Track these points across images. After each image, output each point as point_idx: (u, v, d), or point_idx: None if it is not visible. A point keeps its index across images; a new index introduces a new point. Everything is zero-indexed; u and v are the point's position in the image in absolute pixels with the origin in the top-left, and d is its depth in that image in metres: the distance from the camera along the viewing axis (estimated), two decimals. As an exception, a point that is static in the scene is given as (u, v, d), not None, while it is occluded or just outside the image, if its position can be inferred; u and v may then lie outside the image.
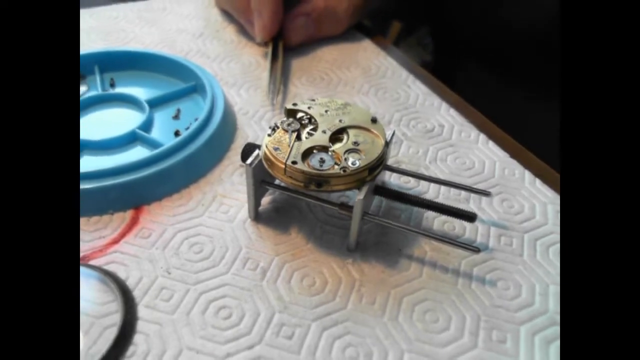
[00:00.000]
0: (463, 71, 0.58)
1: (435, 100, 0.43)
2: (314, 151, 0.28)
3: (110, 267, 0.28)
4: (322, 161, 0.28)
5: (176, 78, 0.43)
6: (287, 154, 0.28)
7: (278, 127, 0.29)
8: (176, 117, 0.39)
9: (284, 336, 0.25)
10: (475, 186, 0.33)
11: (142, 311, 0.26)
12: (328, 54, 0.49)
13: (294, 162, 0.27)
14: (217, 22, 0.54)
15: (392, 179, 0.35)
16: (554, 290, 0.28)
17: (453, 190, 0.34)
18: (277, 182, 0.30)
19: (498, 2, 0.50)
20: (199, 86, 0.41)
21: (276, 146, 0.28)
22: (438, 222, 0.31)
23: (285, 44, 0.48)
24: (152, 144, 0.36)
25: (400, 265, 0.29)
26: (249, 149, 0.30)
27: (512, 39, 0.50)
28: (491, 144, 0.38)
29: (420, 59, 0.65)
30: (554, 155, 0.33)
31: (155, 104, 0.40)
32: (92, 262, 0.28)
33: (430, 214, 0.32)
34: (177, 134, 0.37)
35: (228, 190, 0.33)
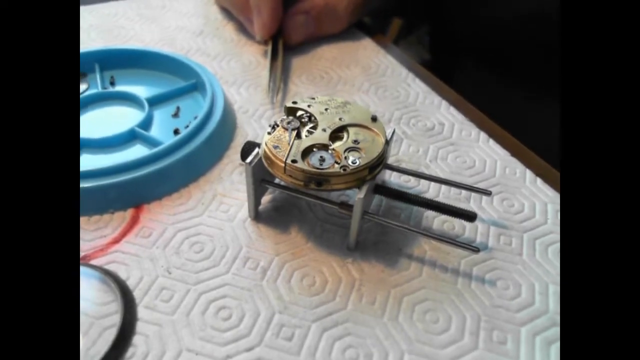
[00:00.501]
0: (462, 70, 0.58)
1: (435, 98, 0.43)
2: (314, 150, 0.28)
3: (112, 267, 0.28)
4: (322, 160, 0.27)
5: (176, 76, 0.43)
6: (287, 153, 0.28)
7: (278, 126, 0.29)
8: (176, 115, 0.39)
9: (283, 337, 0.25)
10: (475, 185, 0.33)
11: (142, 312, 0.26)
12: (328, 52, 0.49)
13: (294, 161, 0.27)
14: (217, 20, 0.54)
15: (392, 178, 0.34)
16: (554, 290, 0.28)
17: (453, 190, 0.34)
18: (277, 180, 0.30)
19: (498, 1, 0.50)
20: (199, 84, 0.41)
21: (276, 144, 0.28)
22: (438, 221, 0.31)
23: (285, 42, 0.48)
24: (152, 143, 0.36)
25: (400, 265, 0.29)
26: (248, 148, 0.30)
27: (512, 38, 0.50)
28: (492, 142, 0.38)
29: (420, 57, 0.65)
30: (553, 155, 0.33)
31: (154, 102, 0.40)
32: (93, 262, 0.28)
33: (430, 213, 0.32)
34: (176, 132, 0.37)
35: (228, 189, 0.33)
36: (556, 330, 0.26)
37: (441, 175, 0.35)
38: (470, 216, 0.28)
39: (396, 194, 0.30)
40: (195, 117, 0.37)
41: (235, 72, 0.46)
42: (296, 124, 0.29)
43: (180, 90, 0.41)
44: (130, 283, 0.27)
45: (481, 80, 0.56)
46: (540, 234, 0.31)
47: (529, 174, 0.35)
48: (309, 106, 0.31)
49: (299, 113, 0.31)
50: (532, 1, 0.47)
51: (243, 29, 0.52)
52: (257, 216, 0.31)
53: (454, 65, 0.59)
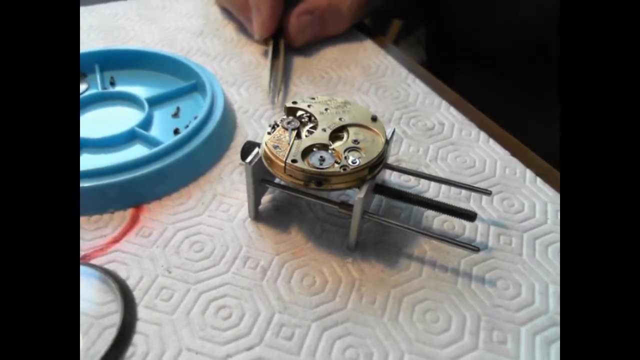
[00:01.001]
0: (462, 71, 0.58)
1: (435, 98, 0.43)
2: (314, 149, 0.28)
3: (112, 266, 0.28)
4: (322, 159, 0.27)
5: (176, 76, 0.43)
6: (287, 152, 0.28)
7: (278, 125, 0.29)
8: (176, 115, 0.39)
9: (283, 337, 0.25)
10: (475, 185, 0.33)
11: (142, 311, 0.26)
12: (328, 52, 0.49)
13: (294, 161, 0.27)
14: (217, 21, 0.54)
15: (393, 178, 0.34)
16: (554, 289, 0.28)
17: (453, 189, 0.34)
18: (277, 180, 0.30)
19: (497, 4, 0.50)
20: (199, 84, 0.41)
21: (276, 144, 0.28)
22: (438, 221, 0.31)
23: (289, 44, 0.48)
24: (152, 142, 0.36)
25: (400, 265, 0.29)
26: (248, 147, 0.30)
27: (511, 39, 0.50)
28: (492, 142, 0.38)
29: (420, 58, 0.65)
30: (553, 155, 0.33)
31: (155, 102, 0.40)
32: (93, 261, 0.28)
33: (430, 213, 0.32)
34: (176, 132, 0.37)
35: (228, 189, 0.33)
36: (556, 330, 0.26)
37: (441, 175, 0.35)
38: (470, 216, 0.28)
39: (396, 194, 0.30)
40: (195, 117, 0.37)
41: (235, 72, 0.46)
42: (296, 124, 0.29)
43: (180, 90, 0.41)
44: (130, 282, 0.27)
45: (480, 80, 0.56)
46: (540, 234, 0.31)
47: (529, 173, 0.35)
48: (309, 106, 0.31)
49: (299, 113, 0.31)
50: (531, 2, 0.47)
51: (243, 29, 0.52)
52: (257, 216, 0.31)
53: (454, 66, 0.59)
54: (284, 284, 0.27)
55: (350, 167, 0.27)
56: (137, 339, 0.25)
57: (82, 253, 0.29)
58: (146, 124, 0.38)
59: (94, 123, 0.38)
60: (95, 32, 0.51)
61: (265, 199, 0.32)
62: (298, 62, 0.48)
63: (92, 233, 0.30)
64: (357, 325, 0.26)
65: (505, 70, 0.53)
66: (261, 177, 0.30)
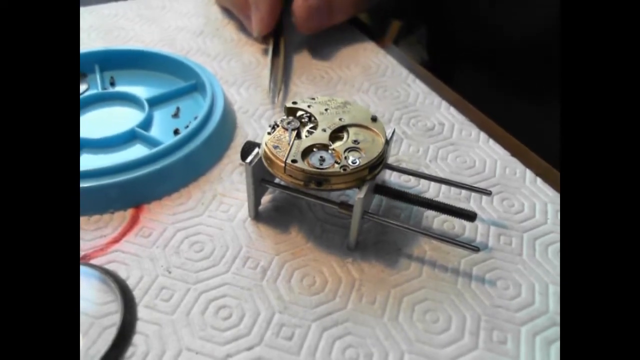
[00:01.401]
0: (462, 71, 0.58)
1: (435, 98, 0.43)
2: (314, 149, 0.28)
3: (111, 266, 0.28)
4: (322, 160, 0.27)
5: (176, 76, 0.43)
6: (287, 153, 0.28)
7: (278, 126, 0.29)
8: (176, 115, 0.39)
9: (283, 337, 0.25)
10: (475, 185, 0.33)
11: (142, 311, 0.26)
12: (328, 52, 0.49)
13: (294, 161, 0.27)
14: (217, 20, 0.54)
15: (393, 178, 0.34)
16: (554, 290, 0.28)
17: (453, 189, 0.34)
18: (277, 180, 0.30)
19: (497, 4, 0.50)
20: (199, 85, 0.41)
21: (276, 144, 0.28)
22: (438, 221, 0.31)
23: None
24: (152, 143, 0.36)
25: (400, 265, 0.29)
26: (248, 148, 0.30)
27: (511, 40, 0.50)
28: (492, 142, 0.38)
29: (420, 58, 0.65)
30: (553, 155, 0.33)
31: (155, 102, 0.40)
32: (93, 261, 0.28)
33: (430, 213, 0.32)
34: (176, 132, 0.37)
35: (228, 189, 0.33)
36: (556, 330, 0.26)
37: (441, 175, 0.35)
38: (470, 216, 0.28)
39: (396, 194, 0.30)
40: (195, 118, 0.37)
41: (235, 72, 0.46)
42: (296, 124, 0.29)
43: (180, 90, 0.41)
44: (130, 282, 0.27)
45: (480, 80, 0.56)
46: (540, 234, 0.31)
47: (529, 174, 0.35)
48: (309, 106, 0.31)
49: (299, 113, 0.31)
50: (532, 2, 0.47)
51: (243, 29, 0.52)
52: (257, 216, 0.31)
53: (454, 66, 0.59)
54: (284, 284, 0.27)
55: (350, 167, 0.27)
56: (137, 339, 0.25)
57: (82, 253, 0.29)
58: (146, 124, 0.38)
59: (94, 123, 0.38)
60: (95, 32, 0.51)
61: (265, 199, 0.32)
62: (298, 61, 0.48)
63: (92, 233, 0.30)
64: (357, 325, 0.26)
65: (505, 70, 0.53)
66: (261, 177, 0.30)
